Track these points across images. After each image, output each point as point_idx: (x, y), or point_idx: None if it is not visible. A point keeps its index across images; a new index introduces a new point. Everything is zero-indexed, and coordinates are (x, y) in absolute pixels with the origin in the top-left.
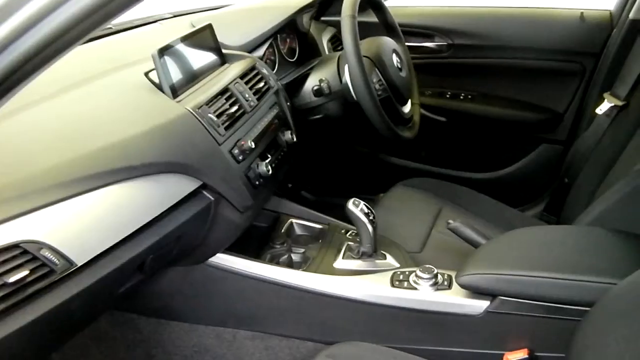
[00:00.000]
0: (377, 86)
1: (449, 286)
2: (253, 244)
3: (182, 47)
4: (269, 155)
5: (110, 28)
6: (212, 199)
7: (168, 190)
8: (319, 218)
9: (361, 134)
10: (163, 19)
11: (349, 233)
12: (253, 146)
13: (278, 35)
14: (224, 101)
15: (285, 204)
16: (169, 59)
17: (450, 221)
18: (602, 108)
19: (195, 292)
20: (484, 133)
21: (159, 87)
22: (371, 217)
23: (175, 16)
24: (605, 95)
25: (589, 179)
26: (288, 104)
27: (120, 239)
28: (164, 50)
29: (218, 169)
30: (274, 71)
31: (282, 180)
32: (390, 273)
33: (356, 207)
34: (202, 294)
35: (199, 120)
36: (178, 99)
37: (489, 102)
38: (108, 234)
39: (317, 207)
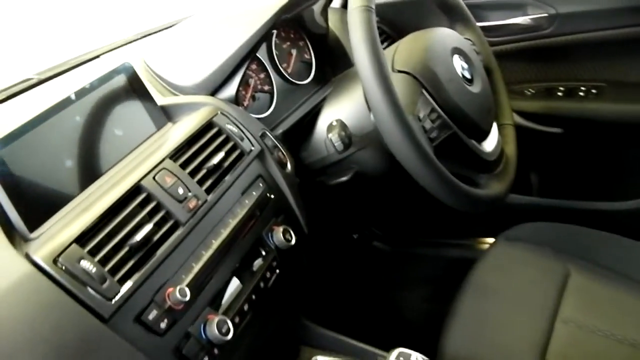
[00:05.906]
0: (427, 124)
1: None
2: None
3: (65, 118)
4: (241, 282)
5: (31, 79)
6: None
7: None
8: (356, 349)
9: None
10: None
11: None
12: (187, 296)
13: (274, 47)
14: (139, 210)
15: (307, 328)
16: (29, 151)
17: None
18: None
19: None
20: (620, 143)
21: None
22: None
23: (105, 53)
24: None
25: None
26: (288, 169)
27: None
28: (12, 140)
29: None
30: (271, 109)
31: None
32: None
33: None
34: None
35: (55, 284)
36: (36, 233)
37: (623, 96)
38: None
39: (395, 259)
